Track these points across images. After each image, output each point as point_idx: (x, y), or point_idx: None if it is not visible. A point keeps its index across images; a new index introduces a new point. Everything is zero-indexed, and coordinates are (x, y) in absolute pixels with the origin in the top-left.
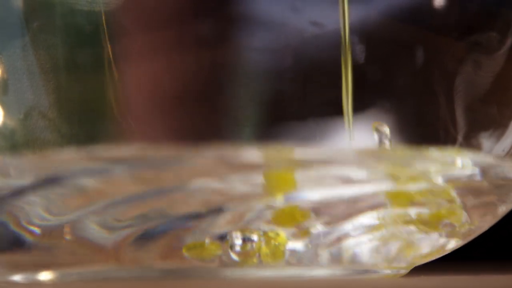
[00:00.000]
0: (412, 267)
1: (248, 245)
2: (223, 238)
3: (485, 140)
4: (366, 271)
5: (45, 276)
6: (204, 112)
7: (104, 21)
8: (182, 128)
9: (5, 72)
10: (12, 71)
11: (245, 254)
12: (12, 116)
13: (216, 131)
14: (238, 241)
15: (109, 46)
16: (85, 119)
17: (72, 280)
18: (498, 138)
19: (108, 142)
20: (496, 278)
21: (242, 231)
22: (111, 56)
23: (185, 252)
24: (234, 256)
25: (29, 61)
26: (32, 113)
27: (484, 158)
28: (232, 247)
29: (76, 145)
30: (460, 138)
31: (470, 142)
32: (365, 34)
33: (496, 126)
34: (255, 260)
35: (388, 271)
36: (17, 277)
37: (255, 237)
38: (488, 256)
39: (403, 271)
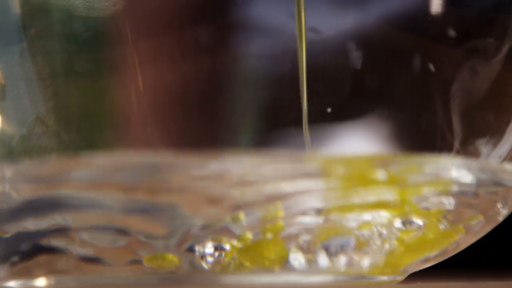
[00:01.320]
0: (409, 273)
1: (219, 254)
2: (192, 247)
3: (482, 147)
4: (363, 277)
5: (42, 282)
6: (202, 119)
7: (102, 28)
8: (181, 135)
9: (2, 79)
10: (10, 77)
11: (217, 264)
12: (10, 122)
13: (214, 138)
14: (209, 251)
15: (107, 52)
16: (83, 125)
17: (69, 286)
18: (495, 144)
19: (106, 148)
20: (493, 285)
21: (214, 240)
22: (109, 62)
23: (145, 263)
24: (205, 265)
25: (27, 67)
26: (30, 120)
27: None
28: (203, 256)
29: (74, 152)
30: (457, 144)
31: (467, 149)
32: (362, 41)
33: (493, 133)
34: (227, 268)
35: (384, 278)
36: (14, 283)
37: (227, 246)
38: (485, 263)
39: (400, 278)
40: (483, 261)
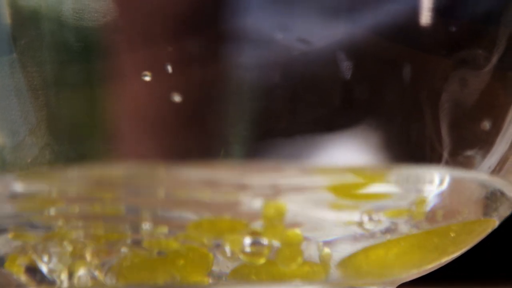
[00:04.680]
0: (400, 283)
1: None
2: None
3: (472, 157)
4: None
5: None
6: (193, 130)
7: (92, 38)
8: (171, 146)
9: None
10: (0, 88)
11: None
12: (0, 133)
13: (204, 149)
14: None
15: (98, 63)
16: (75, 136)
17: None
18: (484, 155)
19: (97, 160)
20: None
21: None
22: (100, 73)
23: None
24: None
25: (17, 78)
26: (20, 131)
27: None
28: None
29: (65, 163)
30: (446, 155)
31: (456, 159)
32: (352, 51)
33: (483, 143)
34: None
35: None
36: None
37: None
38: (476, 273)
39: (390, 287)
40: (474, 272)
